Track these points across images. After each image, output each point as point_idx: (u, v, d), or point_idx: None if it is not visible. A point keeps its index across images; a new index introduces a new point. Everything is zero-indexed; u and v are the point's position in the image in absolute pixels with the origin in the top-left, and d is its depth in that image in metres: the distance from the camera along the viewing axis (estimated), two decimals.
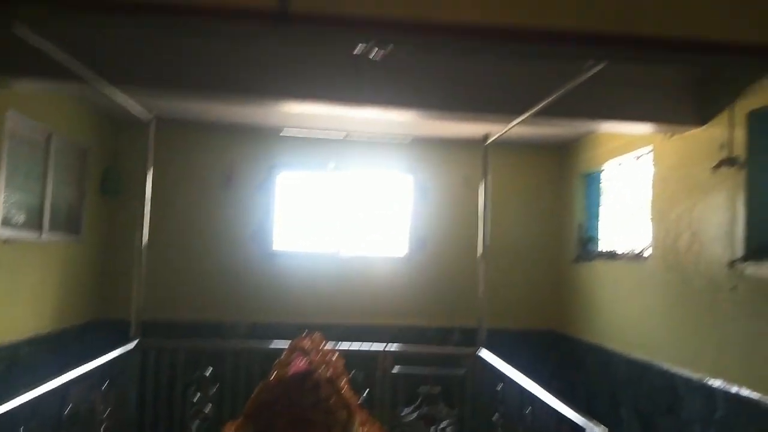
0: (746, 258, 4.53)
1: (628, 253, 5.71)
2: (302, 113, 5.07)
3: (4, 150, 4.59)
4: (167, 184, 6.11)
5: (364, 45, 1.71)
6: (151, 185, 4.39)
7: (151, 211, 4.33)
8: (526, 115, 3.57)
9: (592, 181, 6.53)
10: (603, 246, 6.27)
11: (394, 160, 6.77)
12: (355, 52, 1.67)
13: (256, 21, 1.60)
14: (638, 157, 5.66)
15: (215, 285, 6.39)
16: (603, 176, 6.31)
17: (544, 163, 6.95)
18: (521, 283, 6.81)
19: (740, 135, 4.46)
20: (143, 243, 4.25)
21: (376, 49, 1.66)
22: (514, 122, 3.98)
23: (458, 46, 1.71)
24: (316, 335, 2.75)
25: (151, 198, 4.34)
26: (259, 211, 6.55)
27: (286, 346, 2.63)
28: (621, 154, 5.87)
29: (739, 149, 4.64)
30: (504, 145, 6.01)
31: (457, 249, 6.57)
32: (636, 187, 5.73)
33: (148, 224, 4.30)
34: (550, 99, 2.56)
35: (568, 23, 1.62)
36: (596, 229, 6.41)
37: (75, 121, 5.80)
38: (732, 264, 4.55)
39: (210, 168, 6.49)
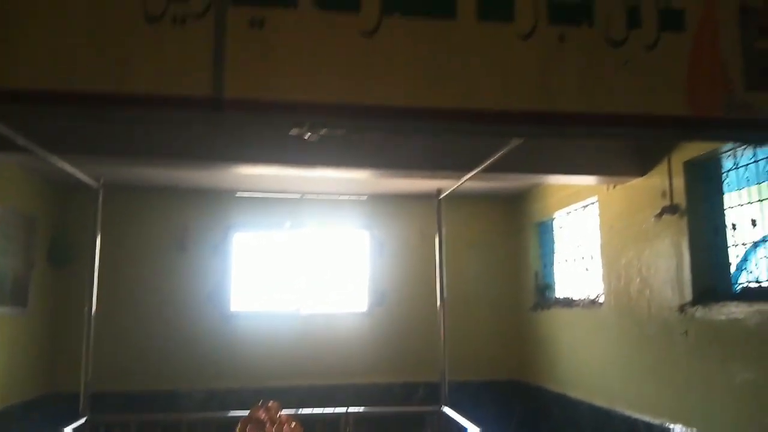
0: (695, 302, 4.68)
1: (583, 300, 5.81)
2: (257, 175, 5.07)
3: None
4: (119, 251, 5.95)
5: (298, 128, 1.75)
6: (99, 253, 4.30)
7: (101, 279, 4.22)
8: (475, 171, 3.67)
9: (544, 229, 6.69)
10: (560, 293, 6.37)
11: (351, 217, 6.81)
12: (290, 134, 1.71)
13: (191, 109, 1.63)
14: (585, 206, 5.85)
15: (170, 352, 6.17)
16: (555, 224, 6.48)
17: (499, 214, 7.10)
18: (483, 334, 6.82)
19: (679, 184, 4.68)
20: (92, 312, 4.12)
21: (309, 133, 1.70)
22: (464, 178, 4.09)
23: (389, 127, 1.78)
24: (273, 404, 2.68)
25: (102, 265, 4.24)
26: (216, 272, 6.43)
27: (245, 415, 2.55)
28: (570, 203, 6.06)
29: (679, 197, 4.85)
30: (458, 197, 6.13)
31: (417, 302, 6.56)
32: (586, 234, 5.89)
33: (96, 293, 4.19)
34: (495, 157, 2.65)
35: (489, 104, 1.72)
36: (552, 276, 6.52)
37: (21, 190, 5.64)
38: (682, 308, 4.69)
39: (163, 232, 6.37)
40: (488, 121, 1.79)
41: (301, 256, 6.70)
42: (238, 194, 6.41)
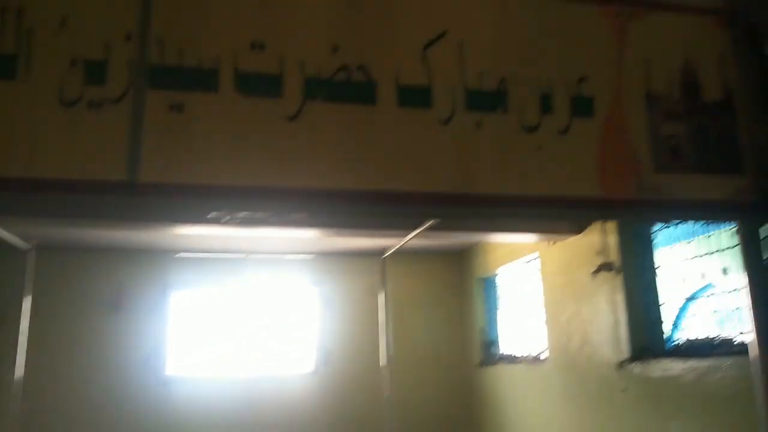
0: (632, 359, 4.78)
1: (527, 357, 5.85)
2: (197, 235, 4.97)
3: None
4: (50, 313, 5.67)
5: (216, 212, 1.74)
6: (30, 316, 4.14)
7: (31, 343, 4.03)
8: (418, 231, 3.72)
9: (489, 285, 6.77)
10: (505, 349, 6.40)
11: (297, 275, 6.73)
12: (208, 217, 1.69)
13: (103, 193, 1.60)
14: (528, 262, 5.97)
15: (102, 419, 5.82)
16: (498, 281, 6.57)
17: (444, 270, 7.15)
18: (430, 391, 6.74)
19: (613, 241, 4.84)
20: (20, 378, 3.91)
21: (228, 217, 1.69)
22: (406, 239, 4.15)
23: (311, 210, 1.78)
24: None
25: (33, 329, 4.06)
26: (152, 334, 6.18)
27: None
28: (512, 259, 6.17)
29: (614, 255, 5.01)
30: (403, 254, 6.15)
31: (364, 361, 6.45)
32: (530, 290, 5.99)
33: (25, 358, 3.99)
34: (415, 232, 2.68)
35: (408, 186, 1.77)
36: (497, 332, 6.57)
37: None
38: (621, 365, 4.77)
39: (97, 292, 6.12)
40: (408, 203, 1.82)
41: (245, 315, 6.54)
42: (178, 255, 6.24)
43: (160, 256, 6.28)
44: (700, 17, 2.17)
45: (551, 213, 1.94)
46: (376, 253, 5.29)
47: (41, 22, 1.70)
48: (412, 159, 1.84)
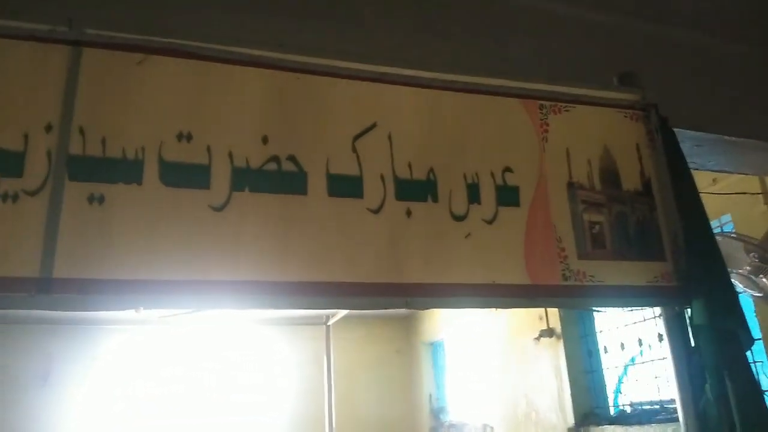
0: (577, 426, 4.79)
1: (476, 425, 5.78)
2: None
3: None
4: None
5: (135, 310, 1.68)
6: None
7: None
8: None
9: (436, 349, 6.74)
10: (454, 417, 6.31)
11: (242, 342, 6.53)
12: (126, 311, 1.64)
13: (15, 290, 1.52)
14: (474, 327, 5.99)
15: None
16: (445, 345, 6.55)
17: (391, 334, 7.10)
18: None
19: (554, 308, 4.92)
20: None
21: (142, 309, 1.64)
22: (347, 311, 4.10)
23: (234, 303, 1.75)
24: None
25: None
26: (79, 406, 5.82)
27: None
28: (459, 323, 6.19)
29: (555, 321, 5.08)
30: (349, 319, 6.07)
31: (309, 429, 6.24)
32: (475, 354, 5.98)
33: None
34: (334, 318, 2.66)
35: (338, 276, 1.81)
36: (445, 398, 6.49)
37: None
38: None
39: (24, 367, 5.76)
40: (338, 294, 1.81)
41: (187, 380, 6.28)
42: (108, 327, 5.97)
43: (89, 328, 5.98)
44: (618, 111, 2.30)
45: (479, 301, 1.96)
46: (321, 320, 5.22)
47: None
48: (343, 248, 1.84)
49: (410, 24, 2.24)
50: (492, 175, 2.06)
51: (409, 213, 1.94)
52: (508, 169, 2.09)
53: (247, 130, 1.88)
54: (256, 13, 1.87)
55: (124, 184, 1.71)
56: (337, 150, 1.94)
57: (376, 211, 1.91)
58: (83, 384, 5.90)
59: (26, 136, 1.67)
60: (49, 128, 1.69)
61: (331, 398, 4.77)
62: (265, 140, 1.88)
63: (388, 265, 1.87)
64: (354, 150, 1.96)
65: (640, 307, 3.90)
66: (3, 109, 1.67)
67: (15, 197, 1.62)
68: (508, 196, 2.05)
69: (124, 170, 1.72)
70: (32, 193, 1.63)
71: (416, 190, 1.97)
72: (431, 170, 2.01)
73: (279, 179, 1.86)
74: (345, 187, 1.91)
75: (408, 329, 7.12)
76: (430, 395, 6.60)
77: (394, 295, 1.86)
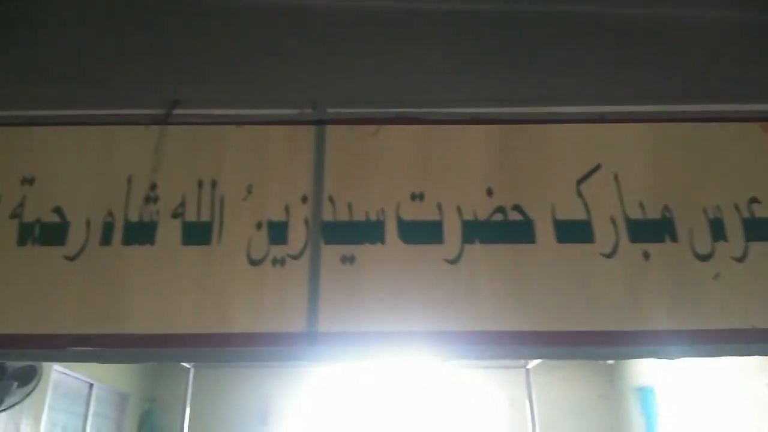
0: None
1: None
2: None
3: (45, 405, 4.67)
4: (202, 428, 6.00)
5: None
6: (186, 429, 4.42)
7: None
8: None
9: (646, 396, 6.16)
10: None
11: (438, 382, 6.61)
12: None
13: (287, 344, 1.73)
14: (692, 371, 5.39)
15: None
16: (657, 392, 5.96)
17: (594, 378, 6.64)
18: None
19: None
20: None
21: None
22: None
23: (472, 353, 1.80)
24: None
25: None
26: None
27: None
28: (672, 367, 5.61)
29: None
30: (549, 362, 5.85)
31: None
32: (695, 405, 5.35)
33: None
34: None
35: (576, 325, 1.78)
36: None
37: (117, 369, 5.93)
38: None
39: (245, 407, 6.41)
40: (577, 343, 1.76)
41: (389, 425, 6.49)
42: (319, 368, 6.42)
43: (302, 371, 6.50)
44: None
45: (734, 349, 1.78)
46: (520, 364, 5.09)
47: (230, 192, 1.95)
48: (579, 296, 1.80)
49: (621, 58, 2.18)
50: (736, 207, 1.89)
51: (646, 255, 1.84)
52: (754, 200, 1.90)
53: (473, 184, 1.95)
54: (475, 74, 1.97)
55: (369, 244, 1.87)
56: (561, 195, 1.93)
57: (610, 255, 1.85)
58: (300, 423, 6.38)
59: (287, 208, 1.92)
60: (304, 199, 1.93)
61: None
62: (489, 192, 1.94)
63: (629, 312, 1.79)
64: (579, 194, 1.93)
65: None
66: (268, 186, 1.95)
67: (282, 261, 1.85)
68: (758, 229, 1.86)
69: (369, 231, 1.88)
70: (295, 257, 1.86)
71: (652, 230, 1.87)
72: (666, 207, 1.90)
73: (506, 229, 1.90)
74: (574, 232, 1.88)
75: (612, 373, 6.63)
76: None
77: (640, 344, 1.76)
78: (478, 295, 1.82)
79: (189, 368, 4.82)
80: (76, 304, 1.81)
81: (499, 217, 1.92)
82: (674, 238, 1.86)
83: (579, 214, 1.91)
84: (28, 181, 1.96)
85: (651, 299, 1.80)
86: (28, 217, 1.93)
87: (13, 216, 1.93)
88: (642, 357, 1.77)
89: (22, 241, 1.90)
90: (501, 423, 6.27)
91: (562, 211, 1.91)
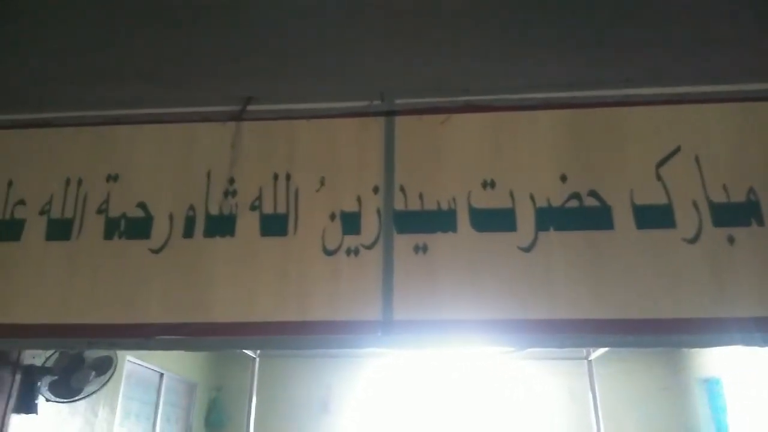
0: None
1: None
2: None
3: (119, 394, 4.89)
4: (267, 416, 6.16)
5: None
6: (253, 417, 4.56)
7: None
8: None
9: (712, 388, 5.93)
10: None
11: (498, 374, 6.57)
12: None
13: (363, 332, 1.76)
14: (763, 362, 5.15)
15: None
16: (725, 383, 5.73)
17: (657, 369, 6.44)
18: None
19: None
20: None
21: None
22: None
23: (550, 341, 1.78)
24: None
25: (257, 429, 4.47)
26: None
27: None
28: (741, 358, 5.38)
29: None
30: (611, 352, 5.71)
31: None
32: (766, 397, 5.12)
33: None
34: None
35: (657, 313, 1.75)
36: None
37: (185, 356, 6.15)
38: None
39: (307, 396, 6.55)
40: (659, 331, 1.72)
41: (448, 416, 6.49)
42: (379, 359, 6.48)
43: (363, 360, 6.59)
44: None
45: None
46: (581, 355, 5.00)
47: (304, 184, 1.99)
48: (660, 283, 1.76)
49: (697, 36, 2.09)
50: None
51: (731, 240, 1.78)
52: None
53: (545, 170, 1.93)
54: (543, 58, 1.93)
55: (442, 233, 1.87)
56: (639, 180, 1.88)
57: (693, 241, 1.80)
58: (359, 411, 6.48)
59: (359, 199, 1.95)
60: (376, 189, 1.95)
61: None
62: (563, 178, 1.91)
63: (714, 299, 1.73)
64: (659, 177, 1.87)
65: None
66: (340, 177, 1.98)
67: (356, 251, 1.88)
68: None
69: (441, 220, 1.89)
70: (369, 247, 1.88)
71: (737, 213, 1.80)
72: (751, 190, 1.83)
73: (582, 216, 1.86)
74: (654, 217, 1.83)
75: (676, 364, 6.41)
76: None
77: (726, 331, 1.70)
78: (554, 283, 1.80)
79: (254, 358, 4.95)
80: (162, 295, 1.89)
81: (574, 203, 1.88)
82: (761, 222, 1.79)
83: (659, 199, 1.85)
84: (112, 178, 2.06)
85: (737, 285, 1.73)
86: (114, 212, 2.02)
87: (100, 211, 2.03)
88: (729, 344, 1.71)
89: (108, 235, 1.99)
90: (561, 415, 6.17)
91: (640, 196, 1.86)
